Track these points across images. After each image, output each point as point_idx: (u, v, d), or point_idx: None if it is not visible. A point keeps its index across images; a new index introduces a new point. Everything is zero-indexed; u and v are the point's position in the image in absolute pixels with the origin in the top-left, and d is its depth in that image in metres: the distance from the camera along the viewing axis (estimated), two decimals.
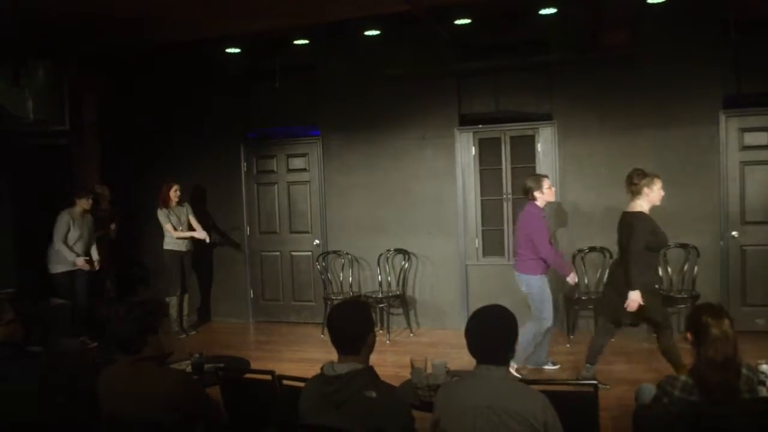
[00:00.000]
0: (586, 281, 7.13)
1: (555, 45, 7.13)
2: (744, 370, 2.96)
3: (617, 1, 6.31)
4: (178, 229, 7.64)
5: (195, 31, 6.80)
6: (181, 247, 7.71)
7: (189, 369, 4.38)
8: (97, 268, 7.36)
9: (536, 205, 5.77)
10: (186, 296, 7.87)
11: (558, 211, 7.27)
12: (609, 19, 6.57)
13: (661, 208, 6.92)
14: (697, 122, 6.83)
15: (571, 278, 5.81)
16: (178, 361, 4.54)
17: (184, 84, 8.37)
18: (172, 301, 7.68)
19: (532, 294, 5.79)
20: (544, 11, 6.50)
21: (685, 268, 6.92)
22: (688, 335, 2.97)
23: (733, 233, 6.85)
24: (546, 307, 5.75)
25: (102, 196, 7.80)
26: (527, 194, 5.83)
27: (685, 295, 6.66)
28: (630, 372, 5.84)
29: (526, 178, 5.96)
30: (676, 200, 6.90)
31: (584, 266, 7.14)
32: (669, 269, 6.97)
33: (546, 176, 5.97)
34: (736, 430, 2.57)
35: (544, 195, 5.80)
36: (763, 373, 3.34)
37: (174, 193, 7.64)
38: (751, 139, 6.81)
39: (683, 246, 6.91)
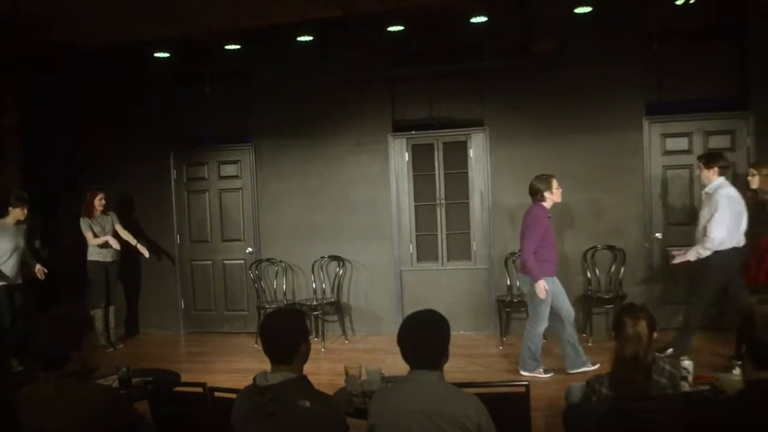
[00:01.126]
0: (517, 284, 7.24)
1: (486, 52, 7.26)
2: (668, 367, 3.06)
3: (545, 10, 6.47)
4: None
5: (123, 34, 6.60)
6: (106, 257, 7.44)
7: (116, 384, 4.23)
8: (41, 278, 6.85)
9: (543, 207, 5.73)
10: (112, 308, 7.60)
11: (489, 216, 7.38)
12: (538, 28, 6.73)
13: (589, 211, 7.17)
14: (622, 128, 7.07)
15: (540, 286, 5.58)
16: (105, 376, 4.38)
17: (111, 88, 8.11)
18: (97, 313, 7.40)
19: (535, 296, 5.67)
20: (475, 19, 6.59)
21: (612, 269, 7.13)
22: (612, 334, 3.07)
23: (657, 235, 7.11)
24: (543, 309, 5.70)
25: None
26: (536, 195, 5.76)
27: (612, 296, 6.86)
28: (561, 371, 5.96)
29: (534, 179, 5.84)
30: (603, 203, 7.14)
31: (515, 269, 7.26)
32: (597, 270, 7.17)
33: (554, 176, 5.86)
34: (659, 424, 2.64)
35: (553, 195, 5.77)
36: (685, 368, 3.46)
37: (99, 202, 7.37)
38: (672, 144, 7.11)
39: (610, 248, 7.12)
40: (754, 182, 5.90)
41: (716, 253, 5.65)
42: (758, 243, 5.81)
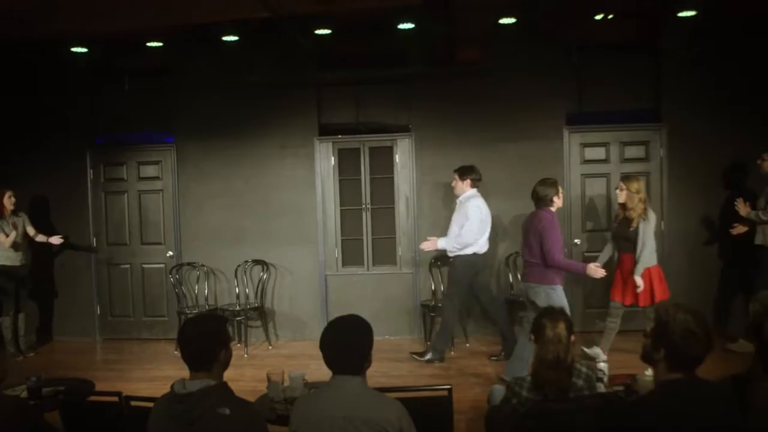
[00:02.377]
0: (442, 289, 7.34)
1: (413, 59, 7.33)
2: (584, 369, 3.16)
3: (471, 20, 6.59)
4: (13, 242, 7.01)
5: (38, 27, 6.28)
6: (15, 261, 7.06)
7: (24, 394, 4.03)
8: None
9: (551, 211, 5.61)
10: (21, 315, 7.23)
11: (415, 221, 7.44)
12: (464, 36, 6.84)
13: (511, 217, 7.33)
14: (543, 137, 7.28)
15: (593, 271, 5.50)
16: (13, 386, 4.17)
17: (25, 82, 7.71)
18: (5, 321, 7.04)
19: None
20: (402, 25, 6.64)
21: None
22: (531, 336, 3.15)
23: (576, 241, 7.34)
24: None
25: None
26: (543, 200, 5.60)
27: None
28: (485, 374, 6.06)
29: (540, 184, 5.67)
30: (524, 210, 7.29)
31: (440, 274, 7.35)
32: (519, 276, 7.31)
33: (556, 180, 5.81)
34: (577, 424, 2.72)
35: (559, 200, 5.74)
36: (601, 370, 3.58)
37: (8, 200, 6.99)
38: (590, 153, 7.38)
39: None
40: (622, 197, 6.08)
41: (459, 257, 6.44)
42: (622, 258, 6.15)
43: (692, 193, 7.15)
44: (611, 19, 6.31)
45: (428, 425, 2.88)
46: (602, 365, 3.62)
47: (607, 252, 6.33)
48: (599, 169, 7.37)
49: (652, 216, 6.03)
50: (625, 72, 7.27)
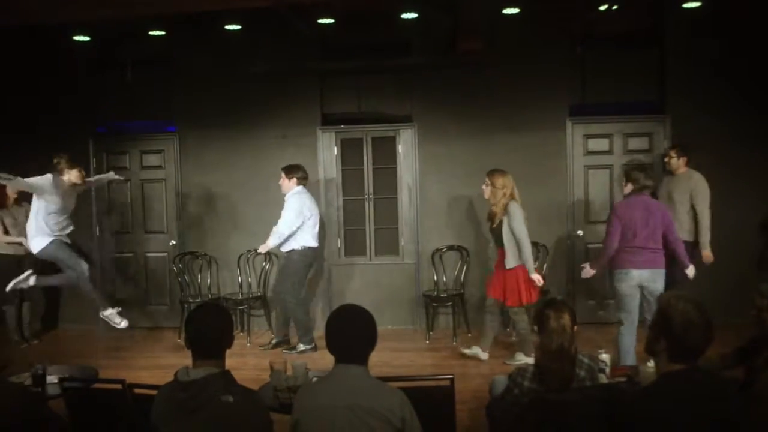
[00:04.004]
0: (444, 279, 7.35)
1: (416, 49, 7.31)
2: (586, 360, 3.17)
3: (474, 10, 6.57)
4: (12, 232, 6.99)
5: (42, 14, 6.27)
6: (18, 250, 7.05)
7: (29, 381, 4.05)
8: None
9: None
10: (26, 303, 7.26)
11: (417, 211, 7.44)
12: (467, 26, 6.82)
13: None
14: (546, 128, 7.26)
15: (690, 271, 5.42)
16: (18, 374, 4.20)
17: (28, 72, 7.70)
18: (10, 309, 7.07)
19: (658, 290, 5.21)
20: (405, 15, 6.62)
21: (535, 264, 7.30)
22: (535, 327, 3.14)
23: (579, 232, 7.35)
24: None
25: None
26: (647, 188, 5.39)
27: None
28: (487, 365, 6.08)
29: (639, 170, 5.46)
30: (527, 201, 7.28)
31: (442, 265, 7.35)
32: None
33: None
34: (579, 415, 2.73)
35: None
36: (603, 361, 3.59)
37: (12, 191, 6.99)
38: (593, 144, 7.36)
39: (534, 244, 7.27)
40: (486, 192, 6.05)
41: (294, 251, 6.62)
42: (498, 253, 6.11)
43: None
44: (615, 9, 6.28)
45: (430, 414, 2.89)
46: (604, 356, 3.63)
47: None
48: (602, 161, 7.37)
49: (516, 211, 5.87)
50: (628, 63, 7.25)
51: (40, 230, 6.02)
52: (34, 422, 2.79)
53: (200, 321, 2.74)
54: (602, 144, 7.36)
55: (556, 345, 2.95)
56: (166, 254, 7.89)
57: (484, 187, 6.03)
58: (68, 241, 6.23)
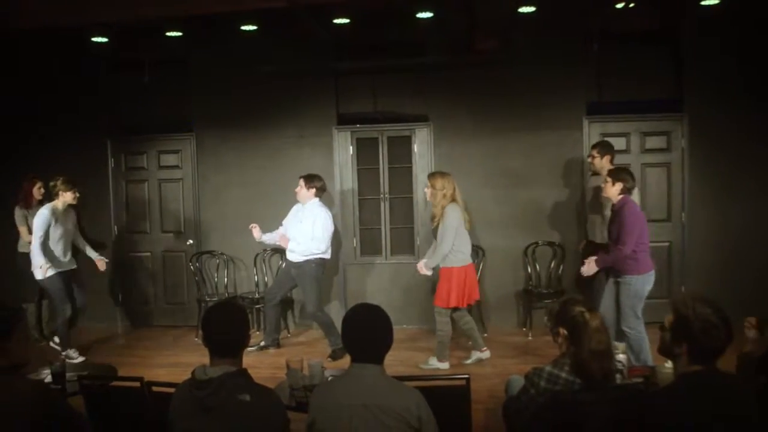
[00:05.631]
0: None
1: (431, 48, 7.29)
2: None
3: (490, 9, 6.55)
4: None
5: (59, 17, 6.34)
6: None
7: (48, 378, 4.10)
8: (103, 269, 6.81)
9: None
10: (45, 301, 7.34)
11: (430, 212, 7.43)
12: (482, 25, 6.81)
13: (530, 208, 7.31)
14: (563, 127, 7.22)
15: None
16: (37, 370, 4.25)
17: (48, 73, 7.78)
18: (30, 307, 7.15)
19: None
20: (421, 14, 6.62)
21: (552, 265, 7.28)
22: (561, 330, 3.06)
23: None
24: None
25: None
26: (632, 188, 5.38)
27: (552, 291, 7.02)
28: (502, 364, 6.07)
29: (622, 171, 5.43)
30: (543, 200, 7.29)
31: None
32: (537, 266, 7.31)
33: None
34: (595, 415, 2.71)
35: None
36: (620, 362, 3.57)
37: (38, 191, 7.04)
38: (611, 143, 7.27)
39: (550, 244, 7.27)
40: (427, 194, 6.07)
41: (309, 261, 6.47)
42: None
43: (714, 184, 7.07)
44: (633, 7, 6.24)
45: (446, 414, 2.89)
46: (620, 357, 3.60)
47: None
48: (620, 160, 7.19)
49: (449, 213, 5.85)
50: (646, 61, 7.18)
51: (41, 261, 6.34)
52: (55, 419, 2.82)
53: (217, 320, 2.76)
54: (619, 143, 7.26)
55: (603, 345, 2.91)
56: (183, 253, 7.95)
57: (425, 189, 6.09)
58: (72, 267, 6.64)
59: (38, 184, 7.04)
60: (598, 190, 6.20)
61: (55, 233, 6.42)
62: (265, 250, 7.61)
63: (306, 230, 6.48)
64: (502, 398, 3.81)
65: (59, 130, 7.83)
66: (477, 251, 7.27)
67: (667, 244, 7.20)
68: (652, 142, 7.25)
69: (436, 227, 5.96)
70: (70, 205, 6.54)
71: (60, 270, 6.47)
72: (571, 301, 3.16)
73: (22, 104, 7.83)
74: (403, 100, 7.58)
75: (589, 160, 6.52)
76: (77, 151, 7.88)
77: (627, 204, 5.26)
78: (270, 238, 6.79)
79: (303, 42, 7.25)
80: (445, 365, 5.94)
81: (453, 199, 5.91)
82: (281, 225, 6.81)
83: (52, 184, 6.47)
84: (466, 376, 3.45)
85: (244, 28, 6.88)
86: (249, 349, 6.49)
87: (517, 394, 3.19)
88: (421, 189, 7.47)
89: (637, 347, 5.23)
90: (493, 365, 6.09)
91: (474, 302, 6.25)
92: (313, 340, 7.17)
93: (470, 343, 6.25)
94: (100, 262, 6.76)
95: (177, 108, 7.84)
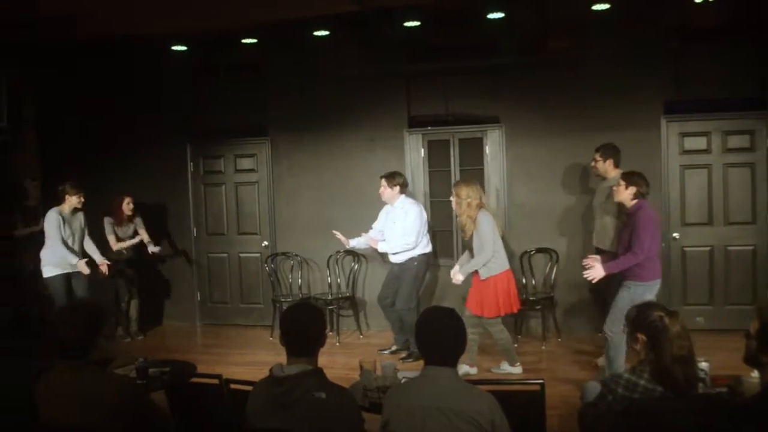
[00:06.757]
0: (533, 282, 7.24)
1: (502, 48, 7.20)
2: None
3: (563, 7, 6.44)
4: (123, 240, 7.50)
5: (140, 26, 6.64)
6: (121, 254, 7.52)
7: (133, 374, 4.27)
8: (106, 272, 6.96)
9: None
10: (132, 301, 7.68)
11: (505, 213, 7.36)
12: (555, 24, 6.70)
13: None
14: (639, 126, 7.00)
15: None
16: (123, 366, 4.43)
17: (127, 80, 8.13)
18: (120, 306, 7.51)
19: None
20: (492, 15, 6.57)
21: None
22: (639, 336, 2.97)
23: (675, 235, 7.05)
24: None
25: (31, 192, 7.61)
26: (646, 193, 5.20)
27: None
28: (576, 370, 5.96)
29: (636, 175, 5.23)
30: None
31: (531, 267, 7.24)
32: None
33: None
34: (676, 425, 2.63)
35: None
36: (702, 370, 3.44)
37: (126, 206, 7.43)
38: (690, 143, 7.03)
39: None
40: (453, 204, 5.92)
41: (413, 258, 6.43)
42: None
43: None
44: (713, 1, 6.01)
45: (520, 420, 2.86)
46: (703, 365, 3.47)
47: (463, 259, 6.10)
48: (700, 160, 7.03)
49: (482, 219, 5.69)
50: (727, 57, 6.85)
51: (52, 261, 6.64)
52: (139, 412, 2.95)
53: (295, 319, 2.82)
54: (699, 142, 7.02)
55: (686, 350, 2.82)
56: (258, 255, 8.15)
57: (451, 198, 5.98)
58: (76, 270, 6.66)
59: (127, 200, 7.43)
60: (607, 193, 6.02)
61: (65, 234, 6.65)
62: (338, 252, 7.71)
63: (398, 229, 6.49)
64: (577, 404, 3.75)
65: (140, 135, 8.17)
66: (551, 254, 7.16)
67: (751, 247, 6.89)
68: (735, 141, 6.94)
69: (469, 239, 5.83)
70: (77, 209, 6.77)
71: (63, 272, 6.65)
72: (648, 306, 3.07)
73: (102, 112, 8.18)
74: (474, 101, 7.53)
75: (592, 164, 6.36)
76: (159, 156, 8.22)
77: (642, 209, 5.07)
78: (359, 243, 6.82)
79: (374, 45, 7.30)
80: (518, 369, 5.86)
81: (480, 207, 5.80)
82: (371, 228, 6.83)
83: (60, 188, 6.73)
84: (541, 381, 3.41)
85: (316, 33, 7.01)
86: (383, 351, 6.68)
87: (594, 401, 3.12)
88: (494, 191, 7.42)
89: (613, 353, 5.04)
90: (566, 370, 5.97)
91: (516, 310, 6.04)
92: (386, 342, 7.19)
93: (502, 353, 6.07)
94: (103, 266, 6.88)
95: (252, 112, 8.04)
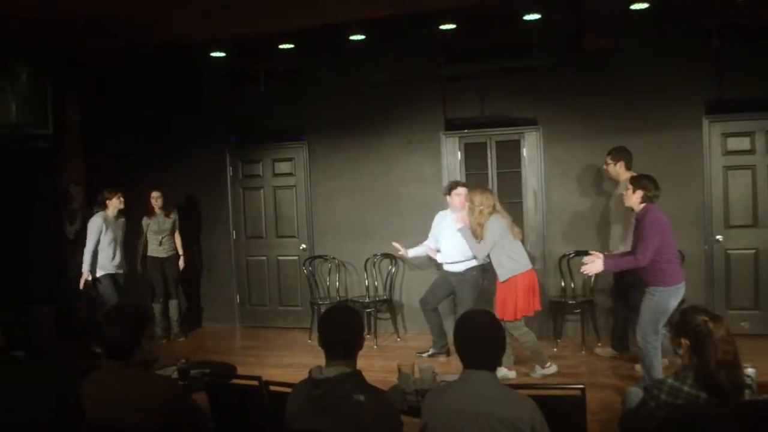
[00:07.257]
0: (572, 285, 7.16)
1: (539, 50, 7.16)
2: None
3: (600, 7, 6.36)
4: (153, 239, 7.70)
5: (180, 33, 6.78)
6: (161, 253, 7.68)
7: (175, 375, 4.35)
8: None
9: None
10: (172, 302, 7.82)
11: (543, 216, 7.30)
12: (592, 25, 6.62)
13: None
14: (680, 127, 6.89)
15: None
16: (164, 367, 4.51)
17: (168, 87, 8.31)
18: (156, 307, 7.65)
19: None
20: (528, 16, 6.53)
21: None
22: (683, 341, 2.92)
23: (718, 237, 6.90)
24: None
25: (74, 196, 7.84)
26: (655, 196, 5.11)
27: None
28: (613, 376, 5.87)
29: (645, 178, 5.17)
30: (660, 205, 6.95)
31: (570, 271, 7.16)
32: None
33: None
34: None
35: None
36: (749, 376, 3.36)
37: (154, 201, 7.63)
38: (733, 144, 6.88)
39: None
40: (466, 211, 5.93)
41: (471, 268, 6.33)
42: None
43: None
44: None
45: (560, 425, 2.84)
46: (750, 371, 3.39)
47: None
48: (743, 161, 6.86)
49: (491, 224, 5.71)
50: None
51: (101, 263, 7.01)
52: (182, 413, 3.00)
53: (334, 321, 2.84)
54: (743, 143, 6.86)
55: (731, 354, 2.76)
56: (296, 257, 8.22)
57: (465, 203, 6.00)
58: (120, 273, 7.14)
59: (153, 194, 7.66)
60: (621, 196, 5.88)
61: (105, 239, 6.96)
62: (375, 255, 7.74)
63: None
64: (617, 410, 3.71)
65: (181, 140, 8.34)
66: None
67: None
68: None
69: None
70: (120, 212, 7.15)
71: (108, 272, 7.01)
72: (692, 310, 3.01)
73: (144, 118, 8.34)
74: (511, 103, 7.48)
75: (604, 167, 6.28)
76: (198, 160, 8.37)
77: (649, 213, 4.97)
78: (417, 252, 6.83)
79: (410, 49, 7.32)
80: (551, 369, 5.80)
81: (493, 212, 5.79)
82: (429, 236, 6.79)
83: (100, 196, 7.08)
84: (581, 386, 3.37)
85: (352, 38, 7.06)
86: (421, 355, 6.69)
87: (636, 407, 3.07)
88: (531, 193, 7.36)
89: (648, 363, 4.91)
90: (607, 376, 5.89)
91: (533, 313, 5.96)
92: (424, 346, 7.17)
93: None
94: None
95: (289, 117, 8.13)
